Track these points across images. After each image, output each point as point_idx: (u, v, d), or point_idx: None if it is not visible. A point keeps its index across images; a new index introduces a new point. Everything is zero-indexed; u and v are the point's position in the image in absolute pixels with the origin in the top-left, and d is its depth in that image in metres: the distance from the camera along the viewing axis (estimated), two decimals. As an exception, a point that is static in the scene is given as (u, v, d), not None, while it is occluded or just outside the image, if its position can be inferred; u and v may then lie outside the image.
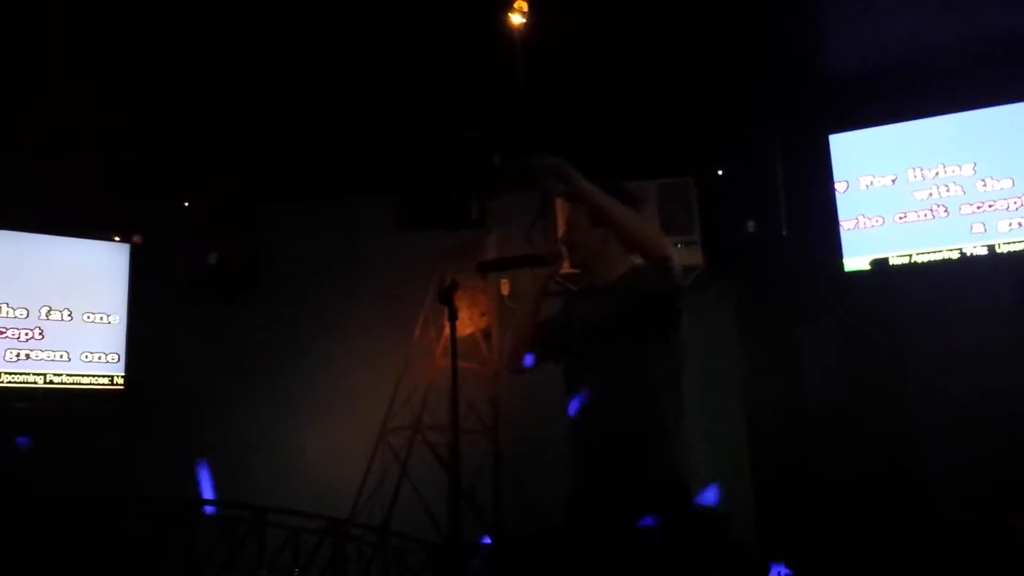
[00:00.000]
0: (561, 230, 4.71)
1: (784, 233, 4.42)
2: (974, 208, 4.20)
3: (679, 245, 4.62)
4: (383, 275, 4.92)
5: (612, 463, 2.49)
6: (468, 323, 4.76)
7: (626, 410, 2.50)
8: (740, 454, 4.50)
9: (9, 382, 4.30)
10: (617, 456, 2.48)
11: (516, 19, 3.55)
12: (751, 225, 4.41)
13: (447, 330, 3.45)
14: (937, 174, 4.28)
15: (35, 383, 4.37)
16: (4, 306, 4.34)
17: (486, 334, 4.82)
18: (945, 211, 4.25)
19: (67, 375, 4.46)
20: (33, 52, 3.90)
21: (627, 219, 2.49)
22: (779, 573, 4.05)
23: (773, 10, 3.77)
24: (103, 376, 4.53)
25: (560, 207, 4.76)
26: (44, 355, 4.41)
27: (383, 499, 4.51)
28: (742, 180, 4.47)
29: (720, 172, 4.53)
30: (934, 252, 4.25)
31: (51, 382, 4.41)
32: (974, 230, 4.19)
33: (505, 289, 4.89)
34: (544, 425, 4.67)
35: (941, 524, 4.15)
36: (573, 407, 2.67)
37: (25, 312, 4.39)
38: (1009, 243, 4.13)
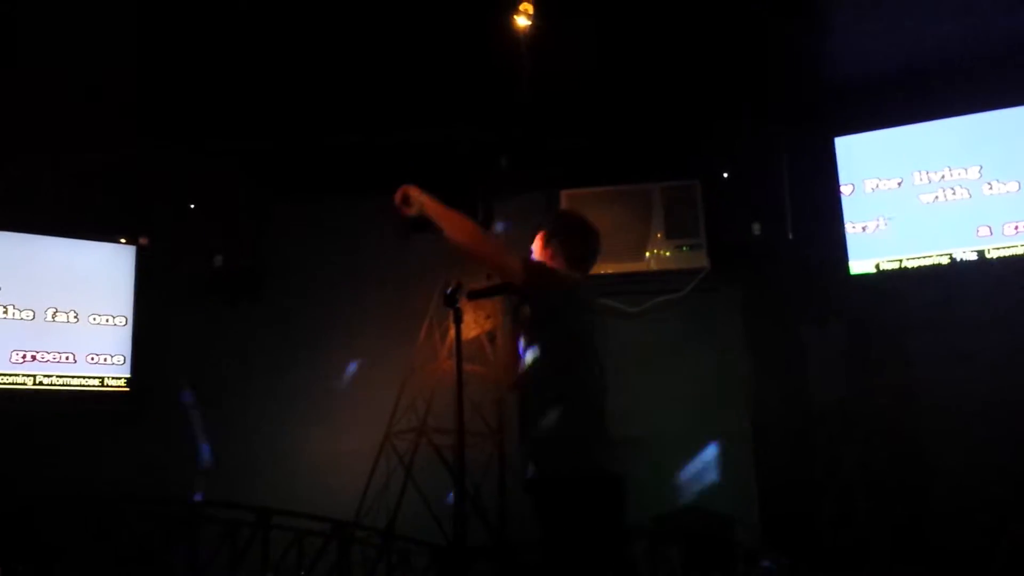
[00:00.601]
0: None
1: (790, 236, 4.42)
2: (980, 211, 4.19)
3: (685, 248, 4.63)
4: (388, 277, 4.92)
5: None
6: (473, 326, 4.75)
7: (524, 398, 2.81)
8: (745, 455, 4.49)
9: (15, 383, 4.31)
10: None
11: (521, 21, 3.55)
12: (757, 228, 4.42)
13: (452, 332, 3.44)
14: (943, 177, 4.27)
15: (41, 384, 4.37)
16: (11, 308, 4.35)
17: (491, 337, 4.81)
18: (951, 215, 4.24)
19: (73, 376, 4.47)
20: (42, 56, 3.91)
21: (458, 231, 2.81)
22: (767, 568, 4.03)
23: (779, 13, 3.77)
24: (108, 378, 4.54)
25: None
26: (50, 356, 4.42)
27: (388, 502, 4.51)
28: (748, 183, 4.48)
29: (726, 175, 4.54)
30: (939, 255, 4.24)
31: (56, 383, 4.41)
32: (980, 233, 4.18)
33: (510, 292, 4.90)
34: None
35: (946, 527, 4.14)
36: None
37: (31, 313, 4.40)
38: (1014, 246, 4.12)
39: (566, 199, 4.80)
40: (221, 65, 4.10)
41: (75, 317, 4.50)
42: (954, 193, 4.25)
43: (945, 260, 4.23)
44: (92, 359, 4.52)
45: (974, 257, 4.18)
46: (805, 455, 4.43)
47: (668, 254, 4.67)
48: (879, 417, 4.40)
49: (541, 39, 3.67)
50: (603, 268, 4.70)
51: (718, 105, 4.46)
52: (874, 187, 4.41)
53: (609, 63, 4.09)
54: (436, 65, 4.08)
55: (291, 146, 4.73)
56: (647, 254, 4.68)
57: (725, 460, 4.49)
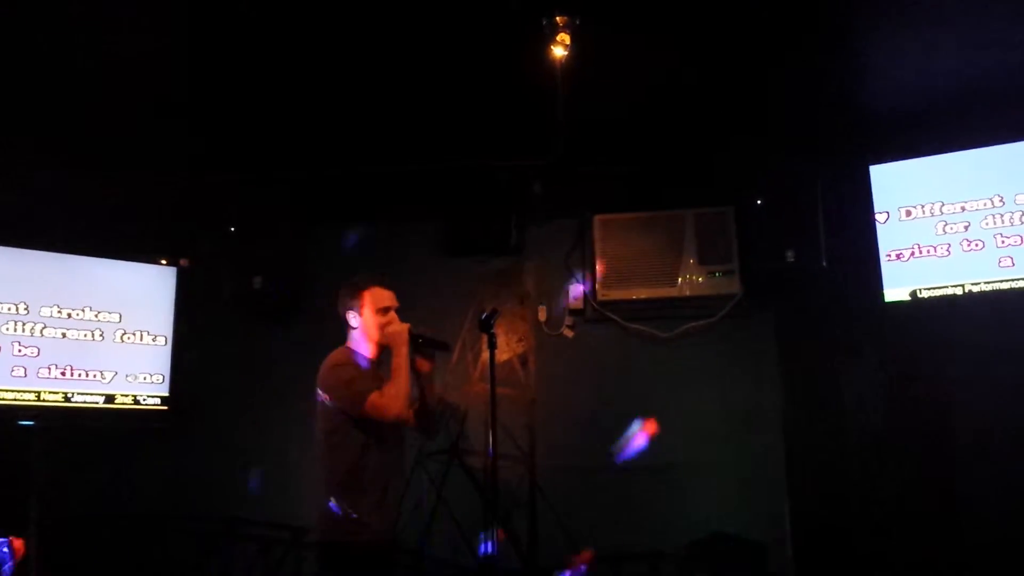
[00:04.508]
0: (600, 257, 4.79)
1: (824, 263, 4.41)
2: (1017, 240, 4.16)
3: (717, 274, 4.64)
4: (420, 301, 4.94)
5: None
6: (505, 349, 4.79)
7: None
8: (779, 485, 4.46)
9: (56, 401, 4.40)
10: None
11: (558, 52, 3.60)
12: (790, 255, 4.41)
13: (484, 355, 3.50)
14: (981, 205, 4.24)
15: (82, 402, 4.46)
16: (53, 327, 4.45)
17: (523, 360, 4.85)
18: (987, 243, 4.21)
19: (113, 395, 4.55)
20: (84, 84, 4.02)
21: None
22: None
23: (815, 42, 3.78)
24: (148, 396, 4.62)
25: (598, 238, 4.81)
26: (91, 375, 4.50)
27: (419, 523, 4.53)
28: (782, 210, 4.47)
29: (759, 201, 4.54)
30: (976, 284, 4.21)
31: (97, 401, 4.50)
32: (1017, 262, 4.15)
33: (543, 315, 4.93)
34: (580, 452, 4.69)
35: (984, 561, 4.08)
36: None
37: (75, 332, 4.50)
38: (1053, 276, 4.08)
39: (599, 224, 4.84)
40: (265, 97, 4.19)
41: (117, 336, 4.59)
42: (992, 222, 4.21)
43: (981, 288, 4.19)
44: (132, 378, 4.60)
45: (1011, 286, 4.14)
46: (839, 485, 4.40)
47: (701, 280, 4.68)
48: (915, 446, 4.36)
49: (577, 68, 3.71)
50: (635, 293, 4.74)
51: (752, 132, 4.47)
52: (909, 215, 4.39)
53: (644, 91, 4.12)
54: (473, 95, 4.14)
55: (330, 174, 4.81)
56: (679, 279, 4.70)
57: (758, 488, 4.47)
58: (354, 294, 3.50)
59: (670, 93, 4.18)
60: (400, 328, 3.41)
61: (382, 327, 3.44)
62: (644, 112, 4.35)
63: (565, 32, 3.52)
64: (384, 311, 3.46)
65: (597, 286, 4.80)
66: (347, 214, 5.02)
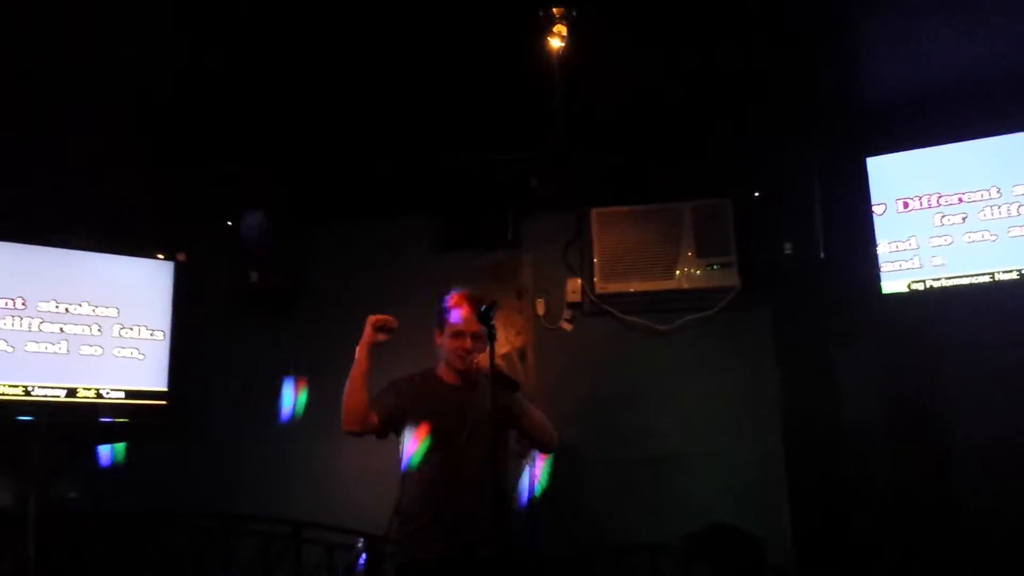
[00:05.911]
0: (598, 250, 4.77)
1: (821, 255, 4.42)
2: (1016, 231, 4.16)
3: (715, 267, 4.64)
4: (419, 295, 4.94)
5: None
6: (504, 343, 4.79)
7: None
8: (777, 477, 4.47)
9: (54, 397, 4.40)
10: None
11: (555, 43, 3.60)
12: (788, 247, 4.41)
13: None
14: (979, 197, 4.25)
15: (79, 398, 4.46)
16: (52, 322, 4.45)
17: (522, 354, 4.85)
18: (984, 235, 4.22)
19: (110, 390, 4.55)
20: (79, 79, 4.01)
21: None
22: None
23: (812, 33, 3.78)
24: (146, 391, 4.61)
25: (596, 231, 4.80)
26: (89, 369, 4.50)
27: (419, 516, 4.53)
28: (779, 202, 4.48)
29: (757, 194, 4.54)
30: (973, 275, 4.22)
31: (94, 397, 4.50)
32: (1015, 252, 4.15)
33: (541, 309, 4.93)
34: (579, 445, 4.69)
35: (982, 551, 4.09)
36: None
37: (73, 327, 4.49)
38: (1051, 267, 4.08)
39: (596, 217, 4.84)
40: (261, 92, 4.19)
41: (114, 331, 4.59)
42: (990, 213, 4.22)
43: (980, 280, 4.20)
44: (130, 372, 4.60)
45: (1009, 277, 4.15)
46: (838, 475, 4.40)
47: (698, 272, 4.68)
48: (912, 437, 4.37)
49: (574, 60, 3.70)
50: (633, 286, 4.74)
51: (749, 124, 4.47)
52: (907, 207, 4.39)
53: (640, 83, 4.12)
54: (468, 89, 4.14)
55: (326, 168, 4.80)
56: (677, 272, 4.70)
57: (756, 480, 4.47)
58: (440, 311, 3.52)
59: (666, 85, 4.17)
60: (454, 345, 3.42)
61: (454, 352, 3.45)
62: (641, 104, 4.35)
63: (562, 24, 3.51)
64: (457, 336, 3.44)
65: (595, 279, 4.79)
66: (343, 208, 5.01)
